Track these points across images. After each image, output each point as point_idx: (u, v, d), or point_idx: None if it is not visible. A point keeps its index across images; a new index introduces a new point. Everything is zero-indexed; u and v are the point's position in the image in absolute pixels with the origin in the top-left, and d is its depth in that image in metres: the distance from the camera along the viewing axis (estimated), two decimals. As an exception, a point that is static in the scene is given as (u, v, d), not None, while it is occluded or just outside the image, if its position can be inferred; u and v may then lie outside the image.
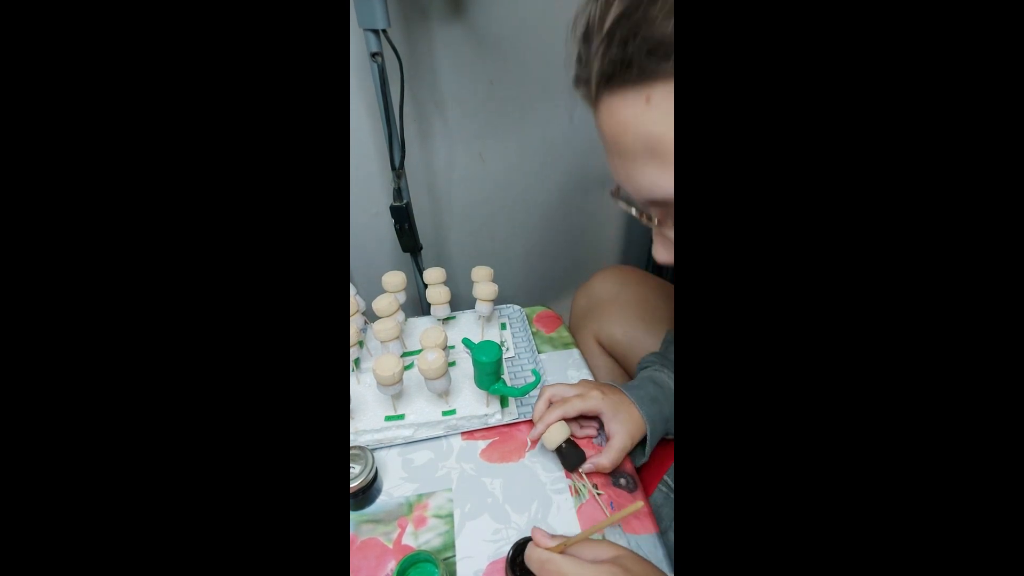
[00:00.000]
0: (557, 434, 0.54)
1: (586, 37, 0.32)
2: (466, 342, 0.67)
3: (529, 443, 0.60)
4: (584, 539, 0.41)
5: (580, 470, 0.55)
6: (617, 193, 0.38)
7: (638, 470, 0.59)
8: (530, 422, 0.62)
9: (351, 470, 0.52)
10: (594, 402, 0.55)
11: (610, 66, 0.30)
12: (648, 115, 0.30)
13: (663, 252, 0.38)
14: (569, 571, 0.38)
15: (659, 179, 0.32)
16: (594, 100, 0.34)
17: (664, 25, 0.27)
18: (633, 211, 0.37)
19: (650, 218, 0.37)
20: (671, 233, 0.36)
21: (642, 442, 0.57)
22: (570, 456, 0.55)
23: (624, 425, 0.54)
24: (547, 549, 0.40)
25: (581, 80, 0.35)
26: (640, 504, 0.41)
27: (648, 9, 0.28)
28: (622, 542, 0.50)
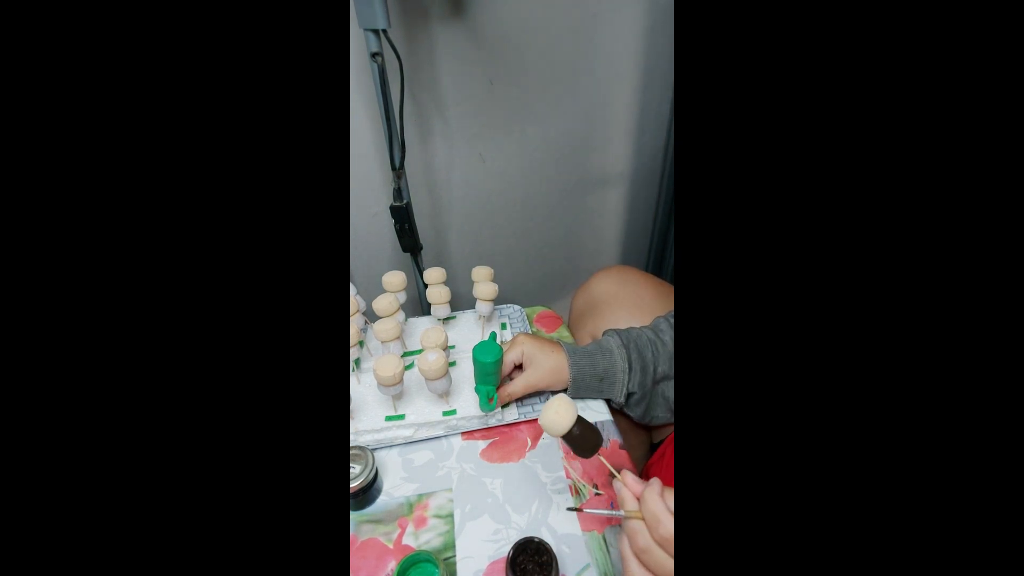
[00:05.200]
0: (565, 415, 0.43)
1: None
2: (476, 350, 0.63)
3: (529, 443, 0.60)
4: None
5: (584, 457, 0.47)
6: None
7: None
8: (530, 422, 0.62)
9: (351, 470, 0.52)
10: (519, 346, 0.59)
11: None
12: None
13: None
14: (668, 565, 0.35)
15: None
16: None
17: None
18: None
19: None
20: None
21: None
22: (585, 439, 0.45)
23: (539, 365, 0.58)
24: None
25: None
26: None
27: None
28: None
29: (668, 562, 0.35)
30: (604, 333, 0.64)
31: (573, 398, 0.58)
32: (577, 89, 0.97)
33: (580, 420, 0.44)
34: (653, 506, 0.36)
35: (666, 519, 0.35)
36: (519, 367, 0.61)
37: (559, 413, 0.43)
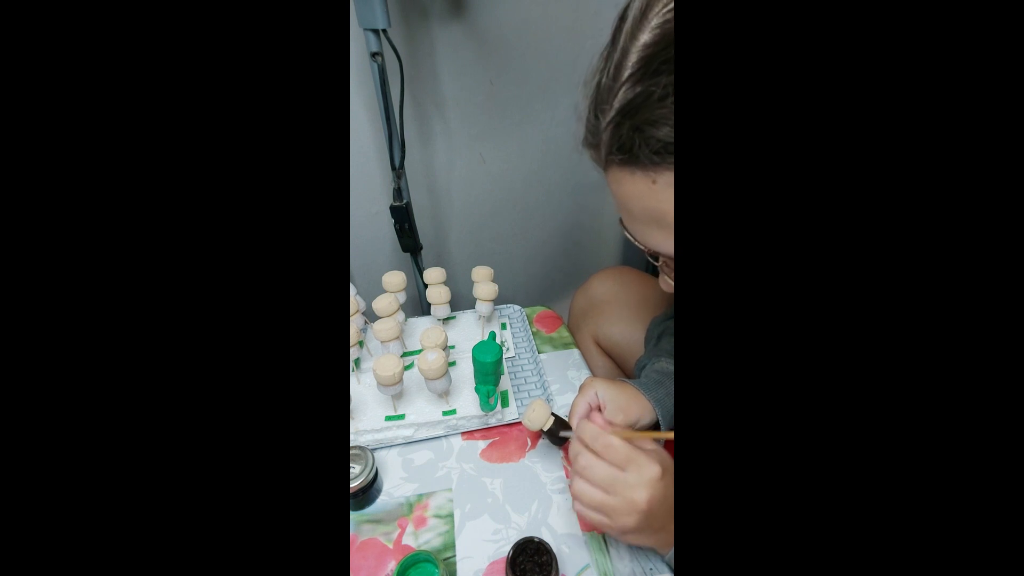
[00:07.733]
0: (540, 413, 0.54)
1: (597, 107, 0.34)
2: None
3: (529, 443, 0.60)
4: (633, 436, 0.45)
5: (562, 435, 0.54)
6: (623, 226, 0.40)
7: None
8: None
9: (351, 470, 0.52)
10: (591, 389, 0.52)
11: (619, 147, 0.32)
12: (654, 194, 0.33)
13: (666, 284, 0.42)
14: (619, 445, 0.42)
15: (663, 242, 0.35)
16: (603, 166, 0.37)
17: (669, 132, 0.29)
18: (636, 242, 0.40)
19: (655, 258, 0.40)
20: (672, 275, 0.41)
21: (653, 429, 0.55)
22: (554, 434, 0.54)
23: (617, 403, 0.52)
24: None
25: (590, 143, 0.37)
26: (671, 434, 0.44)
27: (655, 109, 0.29)
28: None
29: (602, 468, 0.42)
30: (649, 363, 0.60)
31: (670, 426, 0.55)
32: (577, 89, 0.97)
33: (557, 418, 0.55)
34: (586, 428, 0.44)
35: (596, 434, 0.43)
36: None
37: (535, 409, 0.54)
